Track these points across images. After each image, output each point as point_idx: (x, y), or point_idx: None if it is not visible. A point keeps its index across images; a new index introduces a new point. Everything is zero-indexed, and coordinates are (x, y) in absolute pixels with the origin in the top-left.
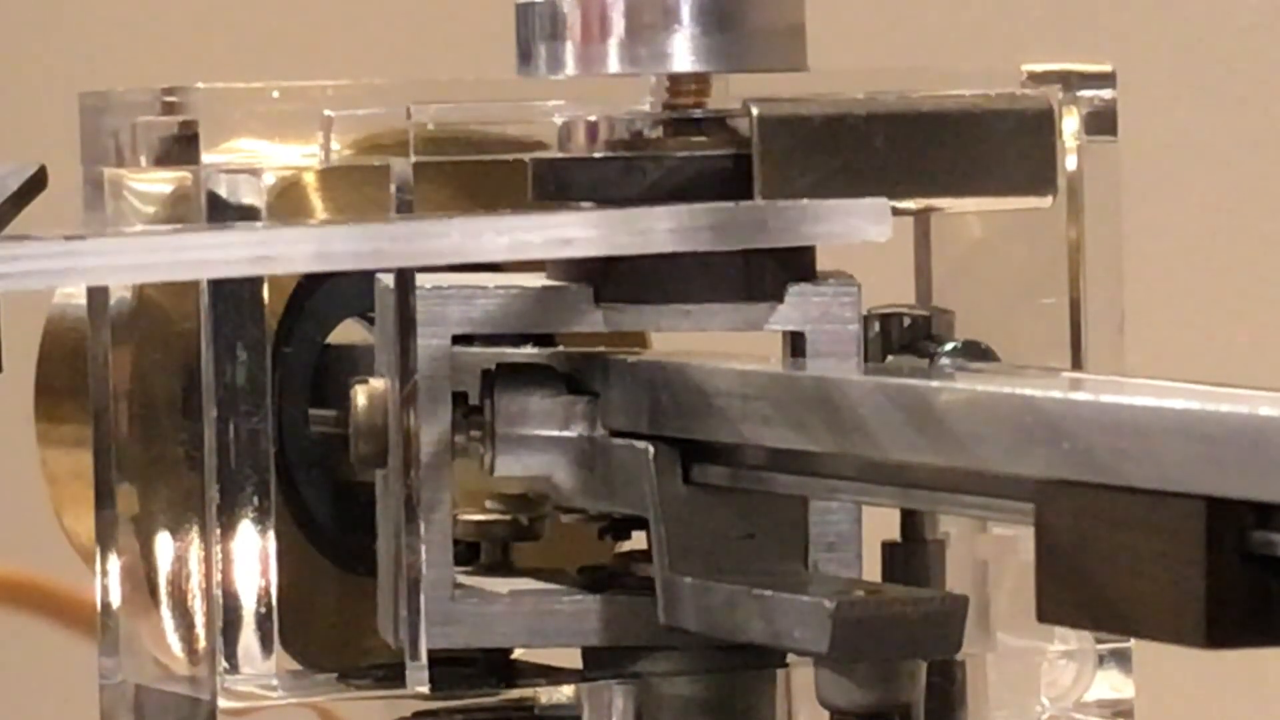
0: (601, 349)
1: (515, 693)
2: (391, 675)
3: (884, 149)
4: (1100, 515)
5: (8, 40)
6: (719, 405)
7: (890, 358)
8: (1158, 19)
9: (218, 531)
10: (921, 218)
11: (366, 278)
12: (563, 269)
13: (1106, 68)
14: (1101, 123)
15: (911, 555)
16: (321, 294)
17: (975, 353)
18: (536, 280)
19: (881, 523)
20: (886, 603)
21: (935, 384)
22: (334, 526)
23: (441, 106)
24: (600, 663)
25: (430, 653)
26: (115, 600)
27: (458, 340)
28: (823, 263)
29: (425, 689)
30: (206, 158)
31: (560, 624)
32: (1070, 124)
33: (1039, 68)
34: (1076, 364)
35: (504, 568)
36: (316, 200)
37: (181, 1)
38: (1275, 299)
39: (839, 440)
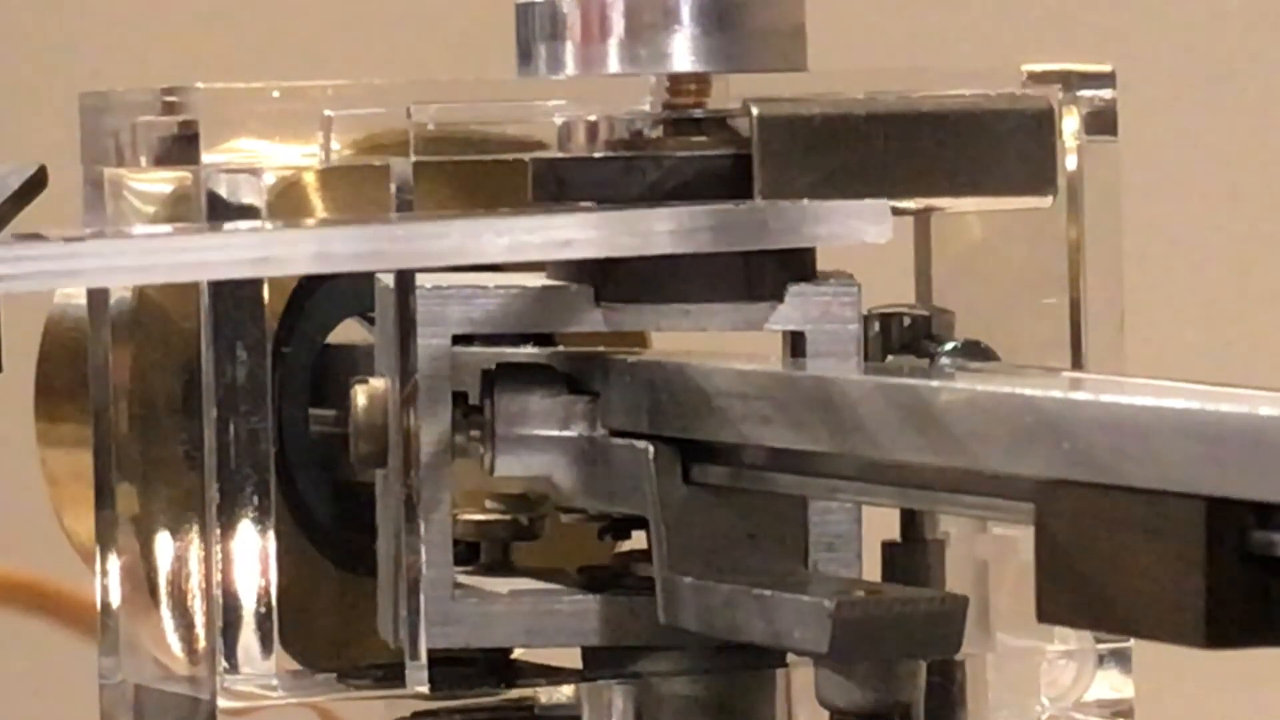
0: (601, 349)
1: (515, 693)
2: (391, 675)
3: (884, 149)
4: (1100, 515)
5: (8, 40)
6: (719, 405)
7: (890, 358)
8: (1158, 19)
9: (218, 531)
10: (921, 218)
11: (366, 278)
12: (563, 269)
13: (1106, 68)
14: (1101, 123)
15: (911, 555)
16: (321, 294)
17: (975, 353)
18: (536, 280)
19: (881, 523)
20: (886, 603)
21: (935, 384)
22: (334, 526)
23: (441, 106)
24: (600, 663)
25: (430, 653)
26: (115, 600)
27: (458, 340)
28: (823, 263)
29: (425, 689)
30: (206, 158)
31: (560, 624)
32: (1070, 124)
33: (1039, 68)
34: (1076, 364)
35: (504, 568)
36: (316, 200)
37: (181, 1)
38: (1275, 299)
39: (839, 440)
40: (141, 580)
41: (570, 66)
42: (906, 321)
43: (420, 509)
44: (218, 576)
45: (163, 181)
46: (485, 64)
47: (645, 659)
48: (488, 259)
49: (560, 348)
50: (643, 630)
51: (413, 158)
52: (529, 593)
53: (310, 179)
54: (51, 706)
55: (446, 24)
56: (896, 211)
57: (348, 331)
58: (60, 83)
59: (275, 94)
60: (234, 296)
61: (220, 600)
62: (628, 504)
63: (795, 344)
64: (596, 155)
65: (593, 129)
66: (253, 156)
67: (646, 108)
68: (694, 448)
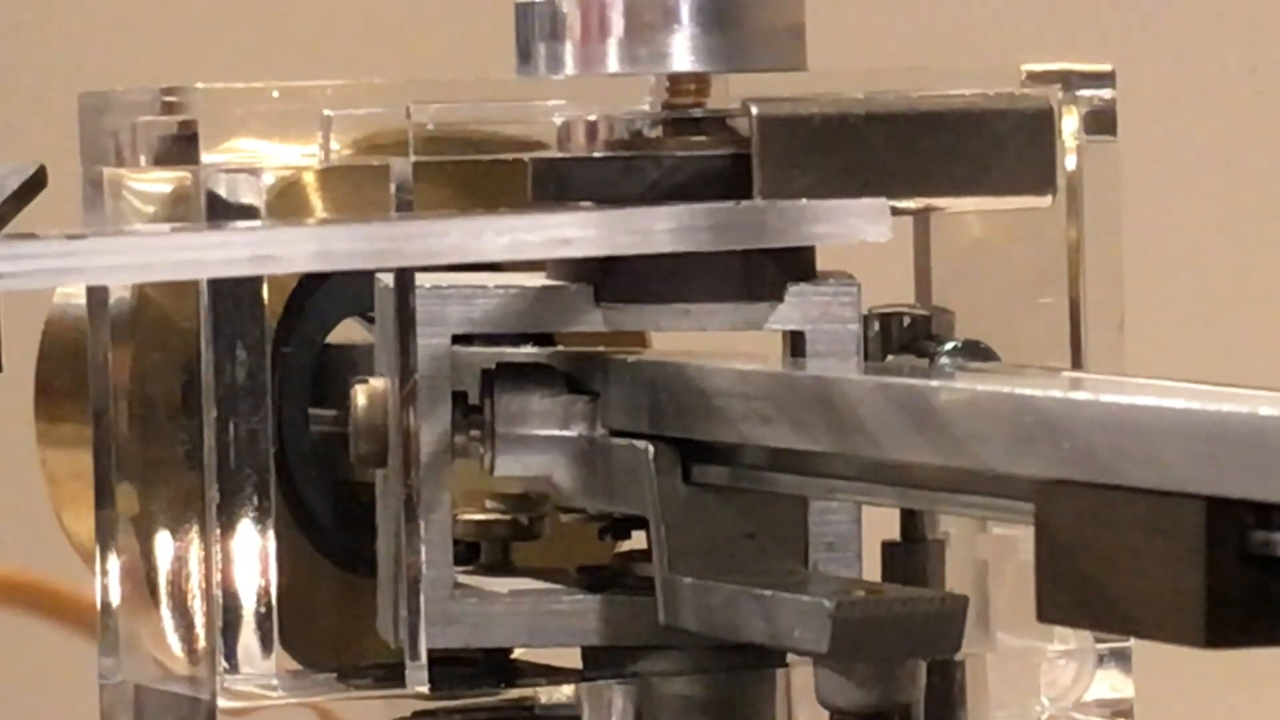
0: (601, 349)
1: (515, 693)
2: (391, 675)
3: (884, 149)
4: (1100, 515)
5: (8, 40)
6: (719, 405)
7: (890, 357)
8: (1158, 19)
9: (218, 531)
10: (921, 218)
11: (366, 278)
12: (562, 269)
13: (1106, 68)
14: (1101, 123)
15: (911, 555)
16: (321, 294)
17: (975, 353)
18: (536, 280)
19: (881, 523)
20: (886, 603)
21: (935, 384)
22: (334, 526)
23: (441, 106)
24: (600, 663)
25: (430, 652)
26: (115, 600)
27: (458, 340)
28: (823, 263)
29: (425, 689)
30: (206, 158)
31: (560, 624)
32: (1070, 124)
33: (1039, 68)
34: (1076, 364)
35: (504, 568)
36: (316, 200)
37: (181, 1)
38: (1275, 299)
39: (839, 440)
40: (141, 580)
41: (570, 66)
42: (906, 321)
43: (420, 509)
44: (218, 576)
45: (162, 181)
46: (485, 64)
47: (645, 659)
48: (488, 258)
49: (560, 347)
50: (643, 630)
51: (412, 158)
52: (529, 593)
53: (310, 179)
54: (51, 706)
55: (446, 24)
56: (896, 211)
57: (348, 331)
58: (60, 83)
59: (275, 94)
60: (233, 296)
61: (220, 600)
62: (628, 504)
63: (795, 344)
64: (596, 155)
65: (592, 129)
66: (252, 156)
67: (646, 107)
68: (694, 448)
